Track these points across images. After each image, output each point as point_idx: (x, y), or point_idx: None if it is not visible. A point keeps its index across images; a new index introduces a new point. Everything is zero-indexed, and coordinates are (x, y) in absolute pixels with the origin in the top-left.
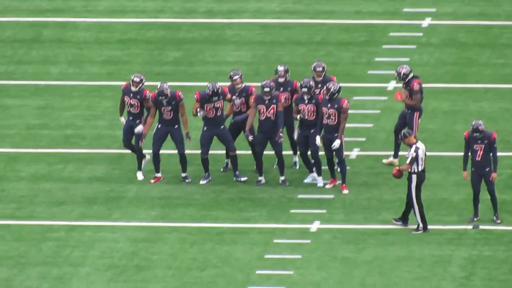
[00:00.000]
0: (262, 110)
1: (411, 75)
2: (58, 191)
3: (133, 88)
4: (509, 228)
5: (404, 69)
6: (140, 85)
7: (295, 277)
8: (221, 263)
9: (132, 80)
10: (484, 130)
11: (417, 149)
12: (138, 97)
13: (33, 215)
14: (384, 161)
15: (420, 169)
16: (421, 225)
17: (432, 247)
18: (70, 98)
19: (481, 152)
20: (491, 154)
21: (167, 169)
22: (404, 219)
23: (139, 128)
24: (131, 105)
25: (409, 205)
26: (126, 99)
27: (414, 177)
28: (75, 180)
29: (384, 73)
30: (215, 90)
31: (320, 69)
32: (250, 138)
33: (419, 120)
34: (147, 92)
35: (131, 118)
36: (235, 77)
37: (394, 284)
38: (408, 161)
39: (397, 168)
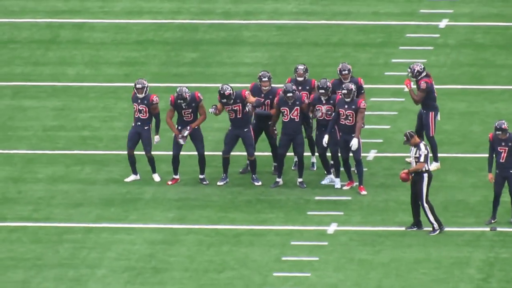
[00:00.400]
0: (285, 112)
1: (424, 73)
2: (75, 193)
3: (139, 95)
4: None
5: (418, 67)
6: (145, 90)
7: (312, 279)
8: (238, 265)
9: (136, 88)
10: (509, 131)
11: (425, 146)
12: (146, 102)
13: (50, 217)
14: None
15: (428, 167)
16: (435, 225)
17: (449, 249)
18: (86, 99)
19: (505, 154)
20: None
21: (184, 171)
22: (417, 223)
23: (156, 139)
24: (140, 111)
25: (416, 207)
26: (135, 106)
27: (425, 176)
28: (92, 182)
29: (401, 74)
30: (222, 93)
31: (346, 71)
32: (275, 131)
33: (435, 119)
34: (154, 97)
35: (138, 123)
36: (264, 79)
37: (411, 286)
38: (422, 159)
39: (406, 171)
